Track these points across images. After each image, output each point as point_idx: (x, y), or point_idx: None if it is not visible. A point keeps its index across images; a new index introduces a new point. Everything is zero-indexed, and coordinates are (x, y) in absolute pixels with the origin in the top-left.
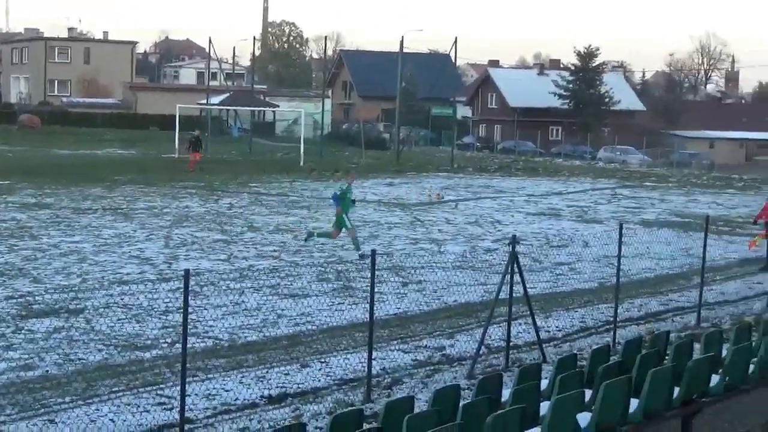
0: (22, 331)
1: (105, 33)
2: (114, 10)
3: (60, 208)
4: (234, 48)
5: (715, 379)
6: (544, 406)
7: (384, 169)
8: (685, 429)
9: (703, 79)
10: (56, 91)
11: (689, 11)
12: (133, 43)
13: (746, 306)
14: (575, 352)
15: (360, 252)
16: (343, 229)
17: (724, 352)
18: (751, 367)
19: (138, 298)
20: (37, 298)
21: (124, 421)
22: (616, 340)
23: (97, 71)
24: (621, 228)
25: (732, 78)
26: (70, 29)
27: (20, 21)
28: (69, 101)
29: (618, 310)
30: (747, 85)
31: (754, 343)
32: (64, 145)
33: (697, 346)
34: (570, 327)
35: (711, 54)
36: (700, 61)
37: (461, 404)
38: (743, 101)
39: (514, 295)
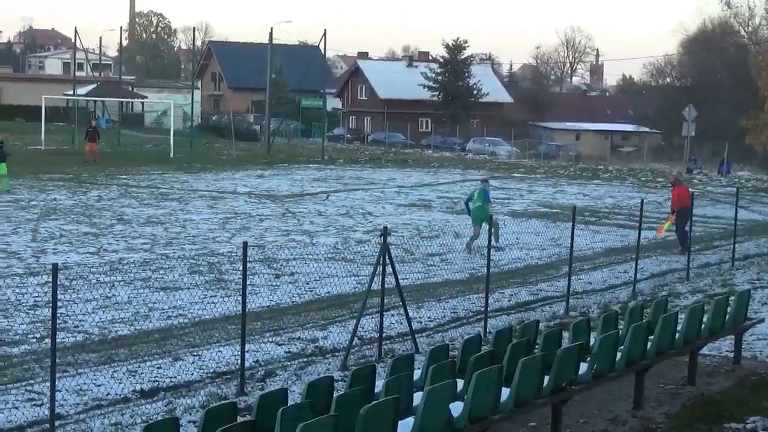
0: None
1: None
2: None
3: None
4: (101, 38)
5: (583, 367)
6: (417, 397)
7: (255, 161)
8: (555, 416)
9: (569, 71)
10: None
11: (555, 5)
12: None
13: (613, 295)
14: (447, 342)
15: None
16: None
17: (592, 341)
18: (618, 354)
19: (5, 293)
20: None
21: None
22: (488, 330)
23: None
24: (491, 219)
25: (596, 71)
26: None
27: None
28: None
29: (489, 300)
30: (611, 77)
31: (620, 332)
32: None
33: (566, 334)
34: (442, 317)
35: (576, 47)
36: (566, 54)
37: (335, 396)
38: (607, 93)
39: (386, 286)
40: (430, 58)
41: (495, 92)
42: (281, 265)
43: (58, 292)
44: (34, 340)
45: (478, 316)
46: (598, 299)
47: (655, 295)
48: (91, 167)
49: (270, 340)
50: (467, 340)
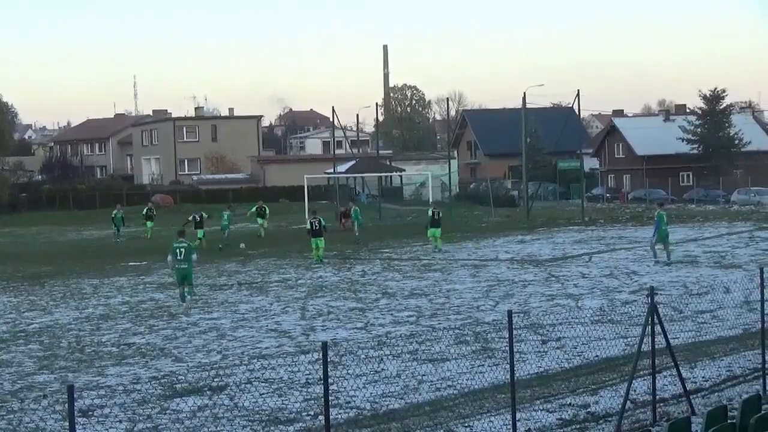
0: (167, 411)
1: (230, 109)
2: (237, 86)
3: (196, 286)
4: (357, 115)
5: None
6: None
7: (514, 227)
8: None
9: None
10: (186, 170)
11: None
12: (258, 117)
13: None
14: (725, 403)
15: None
16: None
17: None
18: None
19: (279, 372)
20: (179, 377)
21: None
22: (767, 388)
23: (225, 147)
24: (762, 272)
25: None
26: (197, 108)
27: (148, 103)
28: (199, 179)
29: (766, 357)
30: None
31: None
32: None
33: None
34: (717, 377)
35: None
36: None
37: None
38: None
39: (656, 346)
40: (687, 110)
41: (758, 140)
42: (547, 330)
43: (328, 368)
44: (308, 417)
45: (756, 374)
46: None
47: None
48: (352, 244)
49: (541, 407)
50: (746, 400)
